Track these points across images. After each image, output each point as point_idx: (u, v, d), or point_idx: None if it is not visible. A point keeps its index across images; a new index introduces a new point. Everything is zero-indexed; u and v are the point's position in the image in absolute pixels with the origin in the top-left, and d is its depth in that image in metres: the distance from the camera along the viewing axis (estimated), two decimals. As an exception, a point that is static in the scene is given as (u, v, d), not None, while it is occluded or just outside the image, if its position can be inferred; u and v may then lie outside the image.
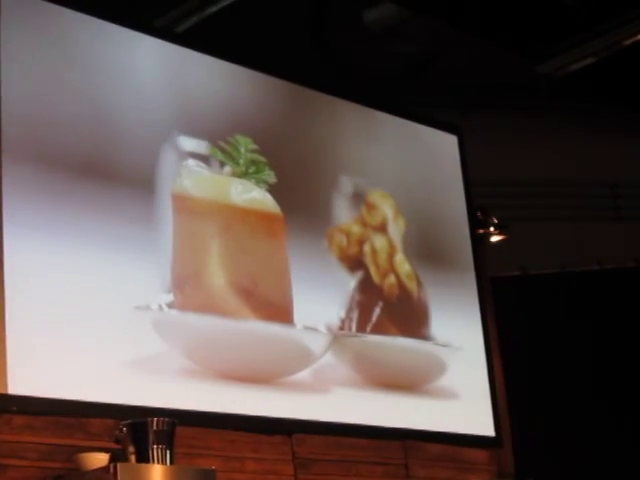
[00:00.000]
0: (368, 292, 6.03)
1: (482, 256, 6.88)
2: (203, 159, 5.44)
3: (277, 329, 5.47)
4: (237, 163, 5.56)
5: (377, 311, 6.02)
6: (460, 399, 6.25)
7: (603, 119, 8.48)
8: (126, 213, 5.03)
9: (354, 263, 6.03)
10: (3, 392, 4.39)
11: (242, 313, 5.33)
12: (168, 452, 4.25)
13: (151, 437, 4.22)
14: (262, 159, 5.66)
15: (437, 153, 6.84)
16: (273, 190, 5.65)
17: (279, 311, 5.50)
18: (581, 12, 6.57)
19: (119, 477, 4.04)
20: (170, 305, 5.09)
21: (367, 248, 6.10)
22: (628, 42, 6.80)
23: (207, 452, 4.97)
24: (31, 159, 4.76)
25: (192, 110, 5.51)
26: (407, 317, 6.18)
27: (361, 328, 5.91)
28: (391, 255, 6.21)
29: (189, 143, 5.40)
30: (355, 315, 5.90)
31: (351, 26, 7.13)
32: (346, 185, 6.13)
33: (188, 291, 5.20)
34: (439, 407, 6.12)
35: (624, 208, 8.49)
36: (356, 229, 6.09)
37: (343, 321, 5.83)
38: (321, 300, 5.72)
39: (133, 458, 4.22)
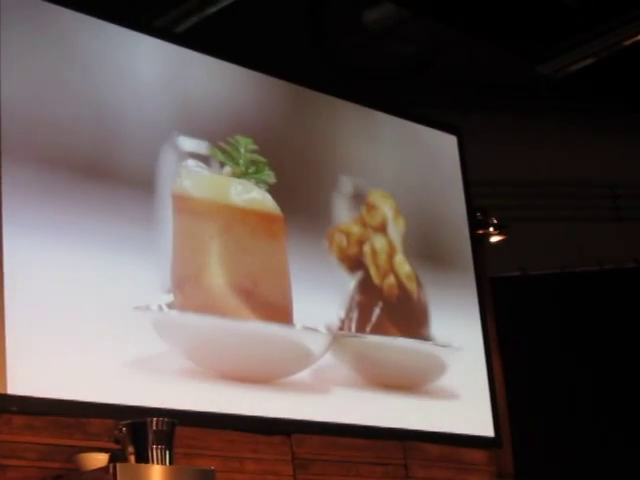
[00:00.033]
0: (368, 292, 6.02)
1: (482, 256, 6.88)
2: (203, 159, 5.44)
3: (277, 329, 5.46)
4: (237, 163, 5.56)
5: (377, 311, 6.02)
6: (460, 399, 6.24)
7: (603, 119, 8.47)
8: (126, 213, 5.03)
9: (354, 263, 6.02)
10: (3, 392, 4.39)
11: (242, 313, 5.33)
12: (167, 452, 4.25)
13: (150, 437, 4.22)
14: (262, 159, 5.66)
15: (437, 153, 6.83)
16: (273, 190, 5.65)
17: (279, 311, 5.50)
18: (581, 12, 6.56)
19: (118, 477, 4.04)
20: (170, 305, 5.09)
21: (367, 248, 6.10)
22: (628, 42, 6.79)
23: (206, 452, 4.97)
24: (31, 159, 4.76)
25: (192, 110, 5.50)
26: (407, 317, 6.18)
27: (361, 328, 5.91)
28: (391, 255, 6.21)
29: (189, 143, 5.40)
30: (355, 315, 5.90)
31: (351, 26, 7.13)
32: (346, 185, 6.13)
33: (188, 291, 5.20)
34: (439, 407, 6.12)
35: (624, 208, 8.48)
36: (356, 229, 6.09)
37: (343, 321, 5.83)
38: (321, 300, 5.72)
39: (132, 458, 4.22)
